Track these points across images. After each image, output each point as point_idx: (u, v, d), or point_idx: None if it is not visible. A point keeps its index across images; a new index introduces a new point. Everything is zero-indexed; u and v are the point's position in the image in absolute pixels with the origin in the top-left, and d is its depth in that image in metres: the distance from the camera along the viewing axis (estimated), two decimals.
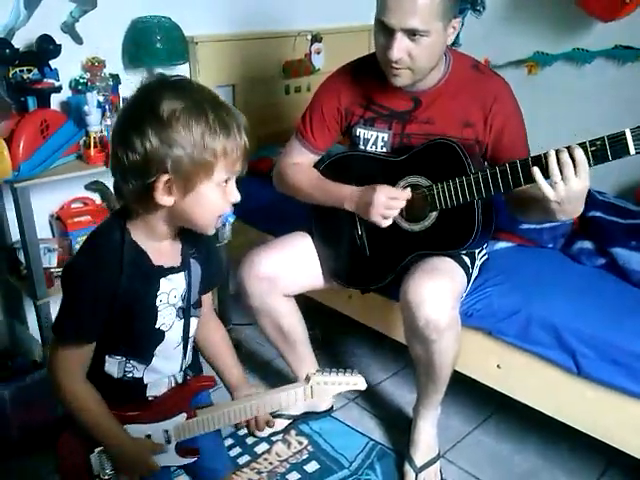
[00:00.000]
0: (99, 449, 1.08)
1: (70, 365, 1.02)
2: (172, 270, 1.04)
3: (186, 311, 1.09)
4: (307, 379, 1.10)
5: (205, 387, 1.14)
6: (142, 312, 1.02)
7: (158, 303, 1.03)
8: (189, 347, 1.14)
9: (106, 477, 1.09)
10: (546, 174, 1.33)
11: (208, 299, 1.21)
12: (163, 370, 1.11)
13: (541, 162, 1.34)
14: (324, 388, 1.09)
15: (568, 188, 1.30)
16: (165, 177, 0.91)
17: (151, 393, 1.11)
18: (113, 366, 1.06)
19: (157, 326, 1.05)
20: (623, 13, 2.18)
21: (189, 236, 1.07)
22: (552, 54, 2.54)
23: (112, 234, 0.99)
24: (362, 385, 1.11)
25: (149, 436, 1.09)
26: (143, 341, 1.05)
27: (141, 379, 1.08)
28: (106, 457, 1.08)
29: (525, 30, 2.58)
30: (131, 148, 0.91)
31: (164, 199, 0.94)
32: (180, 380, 1.14)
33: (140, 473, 1.10)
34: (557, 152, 1.31)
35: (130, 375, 1.07)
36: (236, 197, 1.00)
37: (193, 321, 1.12)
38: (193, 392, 1.12)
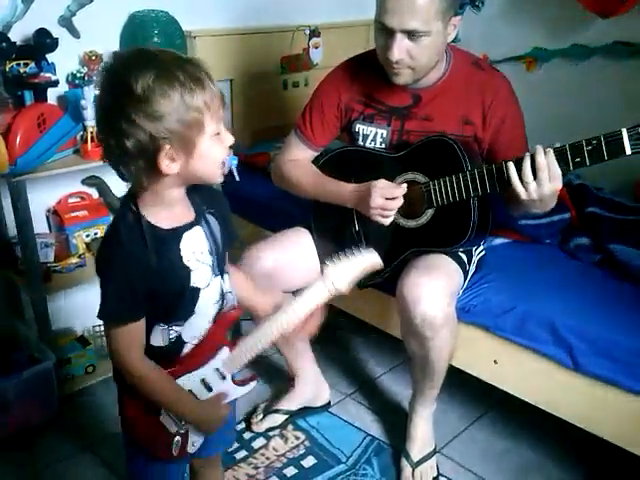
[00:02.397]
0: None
1: (131, 344, 1.04)
2: (187, 227, 1.06)
3: (219, 266, 1.11)
4: (322, 273, 1.13)
5: (234, 317, 1.15)
6: (174, 277, 1.04)
7: (187, 263, 1.05)
8: (228, 304, 1.15)
9: (182, 431, 1.13)
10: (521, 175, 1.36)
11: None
12: (201, 328, 1.12)
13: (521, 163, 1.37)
14: (341, 275, 1.12)
15: (540, 190, 1.34)
16: (166, 148, 0.94)
17: (185, 351, 1.12)
18: (158, 336, 1.08)
19: (192, 284, 1.07)
20: (622, 10, 2.18)
21: (198, 194, 1.09)
22: (551, 50, 2.54)
23: (126, 216, 1.02)
24: (376, 261, 1.12)
25: (204, 380, 1.12)
26: (181, 301, 1.07)
27: (180, 337, 1.10)
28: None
29: (524, 26, 2.58)
30: (123, 135, 0.93)
31: (171, 167, 0.96)
32: None
33: (217, 428, 1.15)
34: (533, 155, 1.34)
35: (173, 339, 1.09)
36: (230, 140, 1.02)
37: (226, 277, 1.14)
38: (226, 325, 1.14)
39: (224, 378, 1.14)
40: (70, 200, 2.15)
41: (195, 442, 1.17)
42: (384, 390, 2.12)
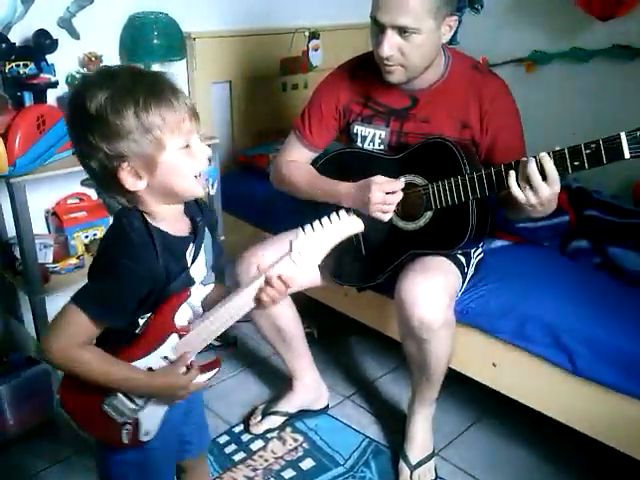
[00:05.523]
0: (106, 399, 1.05)
1: (78, 337, 0.98)
2: (190, 238, 1.05)
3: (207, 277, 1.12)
4: (290, 246, 1.03)
5: (180, 300, 1.05)
6: (178, 284, 1.02)
7: (192, 274, 1.05)
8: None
9: (129, 420, 1.07)
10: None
11: None
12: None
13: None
14: (312, 249, 1.03)
15: (538, 195, 1.34)
16: (124, 166, 0.94)
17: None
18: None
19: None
20: (621, 13, 2.18)
21: (193, 208, 1.08)
22: (550, 53, 2.54)
23: (134, 221, 0.99)
24: (355, 224, 1.04)
25: (150, 369, 1.06)
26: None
27: None
28: (119, 400, 1.06)
29: (523, 29, 2.58)
30: (86, 156, 0.95)
31: (137, 184, 0.96)
32: None
33: (179, 397, 1.08)
34: (527, 162, 1.33)
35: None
36: (204, 152, 1.00)
37: (210, 286, 1.14)
38: (172, 308, 1.04)
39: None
40: (69, 201, 2.16)
41: (149, 432, 1.09)
42: (383, 392, 2.12)
